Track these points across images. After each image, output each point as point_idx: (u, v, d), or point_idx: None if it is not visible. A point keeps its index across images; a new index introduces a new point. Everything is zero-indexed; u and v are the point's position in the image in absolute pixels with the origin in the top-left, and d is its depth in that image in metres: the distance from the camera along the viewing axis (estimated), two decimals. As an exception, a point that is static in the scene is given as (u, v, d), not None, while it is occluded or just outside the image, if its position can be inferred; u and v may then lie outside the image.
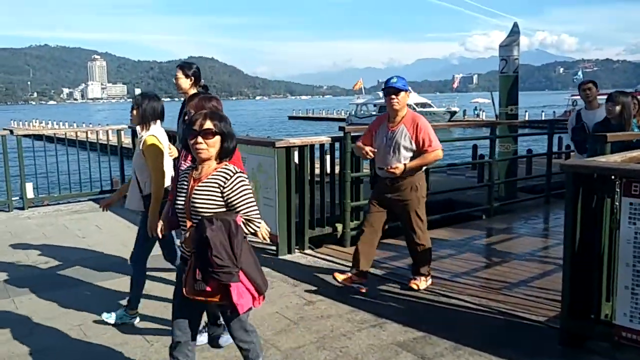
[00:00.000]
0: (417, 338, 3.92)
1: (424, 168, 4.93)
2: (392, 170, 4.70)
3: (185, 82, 4.58)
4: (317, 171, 6.69)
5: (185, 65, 4.63)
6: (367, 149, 4.85)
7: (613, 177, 3.53)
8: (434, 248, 6.22)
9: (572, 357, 3.60)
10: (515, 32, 11.10)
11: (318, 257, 5.96)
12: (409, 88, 4.86)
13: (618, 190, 3.45)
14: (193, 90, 4.58)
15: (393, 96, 4.71)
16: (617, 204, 3.48)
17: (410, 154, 4.73)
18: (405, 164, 4.70)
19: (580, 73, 72.10)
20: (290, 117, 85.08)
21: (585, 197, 3.60)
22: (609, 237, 3.57)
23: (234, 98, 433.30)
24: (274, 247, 6.10)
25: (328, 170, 6.72)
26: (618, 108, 5.41)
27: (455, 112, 54.48)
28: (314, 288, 5.02)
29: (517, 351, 3.68)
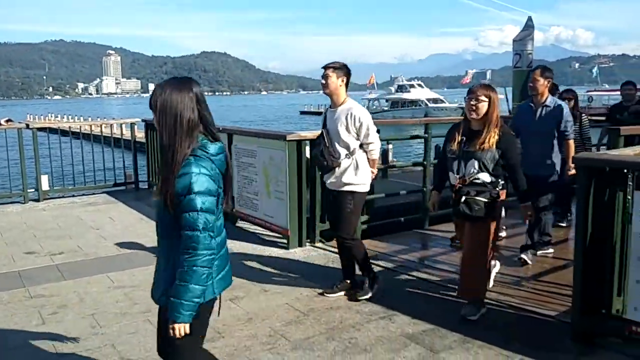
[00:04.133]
0: (427, 330, 3.93)
1: None
2: None
3: None
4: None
5: None
6: None
7: (625, 170, 3.51)
8: (443, 244, 6.24)
9: (582, 352, 3.58)
10: (529, 26, 11.03)
11: (329, 250, 5.97)
12: None
13: (630, 183, 3.44)
14: None
15: None
16: (629, 197, 3.46)
17: None
18: None
19: (596, 69, 71.40)
20: (302, 112, 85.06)
21: (598, 191, 3.58)
22: (621, 232, 3.56)
23: (246, 92, 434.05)
24: (285, 241, 6.13)
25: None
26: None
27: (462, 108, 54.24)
28: (324, 281, 5.03)
29: (526, 345, 3.67)
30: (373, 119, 4.64)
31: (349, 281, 4.72)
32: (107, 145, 10.13)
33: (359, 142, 4.44)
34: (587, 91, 52.52)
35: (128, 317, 4.29)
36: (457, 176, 4.06)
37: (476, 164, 3.98)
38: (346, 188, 4.46)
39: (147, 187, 9.99)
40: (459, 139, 4.08)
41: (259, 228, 6.70)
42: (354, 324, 4.08)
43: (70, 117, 54.00)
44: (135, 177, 10.02)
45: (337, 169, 4.44)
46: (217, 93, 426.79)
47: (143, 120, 10.27)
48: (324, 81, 4.44)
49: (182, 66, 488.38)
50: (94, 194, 9.59)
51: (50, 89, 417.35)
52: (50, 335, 4.00)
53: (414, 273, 5.20)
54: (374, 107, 60.45)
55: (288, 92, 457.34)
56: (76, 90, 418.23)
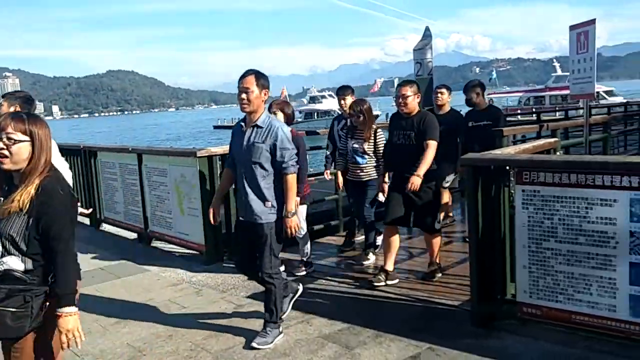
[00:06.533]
0: (342, 329, 4.13)
1: None
2: None
3: None
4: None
5: None
6: None
7: (508, 167, 3.90)
8: (361, 244, 6.52)
9: (482, 336, 3.89)
10: (427, 35, 11.61)
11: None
12: None
13: (512, 179, 3.82)
14: None
15: None
16: (512, 191, 3.84)
17: None
18: None
19: (494, 73, 75.50)
20: (216, 127, 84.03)
21: (485, 187, 3.94)
22: (509, 223, 3.93)
23: (156, 110, 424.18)
24: (201, 257, 6.17)
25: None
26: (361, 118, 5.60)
27: (377, 116, 55.65)
28: (242, 293, 5.13)
29: (433, 334, 3.95)
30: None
31: None
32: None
33: None
34: (488, 94, 55.67)
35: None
36: None
37: None
38: None
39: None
40: None
41: (175, 246, 6.70)
42: (273, 331, 4.21)
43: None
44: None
45: None
46: (126, 112, 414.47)
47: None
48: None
49: (88, 86, 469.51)
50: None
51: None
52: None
53: (331, 277, 5.41)
54: (288, 118, 60.95)
55: (201, 107, 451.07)
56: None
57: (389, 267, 5.08)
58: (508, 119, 16.31)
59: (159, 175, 6.64)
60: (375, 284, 4.99)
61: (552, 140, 5.07)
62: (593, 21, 5.75)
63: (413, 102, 4.99)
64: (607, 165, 3.46)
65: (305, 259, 5.70)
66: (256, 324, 4.35)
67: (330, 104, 60.13)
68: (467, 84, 6.55)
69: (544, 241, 3.65)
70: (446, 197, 6.85)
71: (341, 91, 6.41)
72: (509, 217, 3.91)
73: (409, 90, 4.97)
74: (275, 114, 5.25)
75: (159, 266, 6.12)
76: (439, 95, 6.79)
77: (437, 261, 5.25)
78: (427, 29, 11.79)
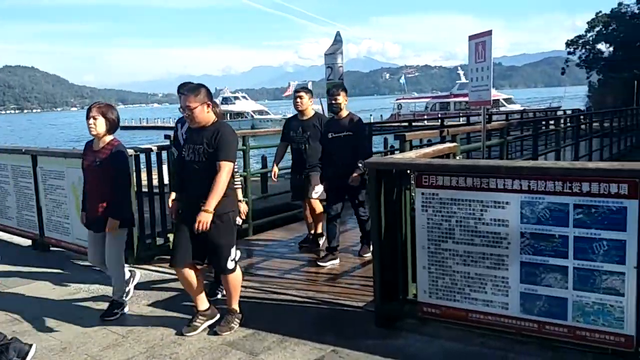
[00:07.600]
0: (247, 336, 4.08)
1: None
2: None
3: None
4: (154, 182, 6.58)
5: None
6: None
7: (408, 171, 4.00)
8: (267, 249, 6.49)
9: (385, 336, 3.96)
10: (338, 40, 11.76)
11: (150, 270, 5.86)
12: None
13: (412, 182, 3.93)
14: None
15: None
16: (412, 194, 3.95)
17: None
18: None
19: (403, 78, 78.02)
20: (122, 127, 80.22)
21: (387, 190, 4.02)
22: (410, 225, 4.03)
23: (59, 109, 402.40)
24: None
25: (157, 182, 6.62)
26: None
27: (293, 119, 56.07)
28: (144, 301, 4.95)
29: (338, 336, 3.98)
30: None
31: None
32: None
33: None
34: (397, 99, 57.42)
35: None
36: None
37: None
38: None
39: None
40: None
41: (73, 253, 6.34)
42: (175, 340, 4.08)
43: None
44: None
45: None
46: (25, 110, 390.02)
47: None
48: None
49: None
50: None
51: None
52: None
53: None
54: (199, 120, 59.87)
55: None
56: None
57: (201, 307, 4.27)
58: (415, 123, 16.87)
59: (56, 178, 6.28)
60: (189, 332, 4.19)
61: (452, 144, 5.27)
62: (490, 32, 6.02)
63: (202, 114, 4.01)
64: (500, 170, 3.63)
65: (120, 297, 4.68)
66: (158, 333, 4.21)
67: (244, 105, 59.74)
68: (331, 87, 5.78)
69: (442, 242, 3.78)
70: (319, 207, 6.32)
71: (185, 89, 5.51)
72: (410, 219, 4.01)
73: (192, 101, 3.98)
74: (95, 118, 4.51)
75: (55, 275, 5.79)
76: (298, 100, 6.17)
77: (235, 307, 4.28)
78: (337, 34, 11.95)
